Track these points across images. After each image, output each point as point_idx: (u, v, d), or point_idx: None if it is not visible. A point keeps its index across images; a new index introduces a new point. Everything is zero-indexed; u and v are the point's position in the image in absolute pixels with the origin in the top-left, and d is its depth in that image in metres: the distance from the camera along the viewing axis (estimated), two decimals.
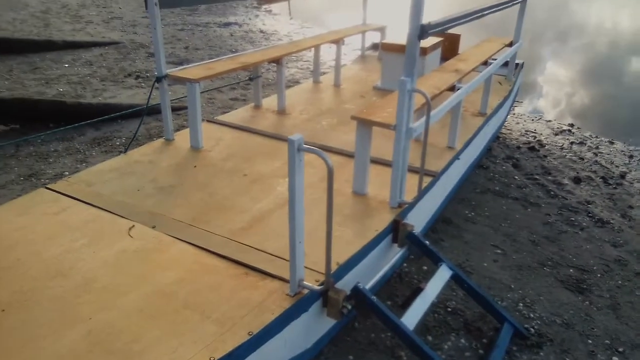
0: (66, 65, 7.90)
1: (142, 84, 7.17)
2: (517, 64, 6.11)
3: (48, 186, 3.19)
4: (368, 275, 2.77)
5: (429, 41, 5.36)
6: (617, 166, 5.42)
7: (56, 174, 4.53)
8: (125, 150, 3.79)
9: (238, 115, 4.67)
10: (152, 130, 5.57)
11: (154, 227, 2.80)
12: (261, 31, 11.34)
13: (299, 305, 2.32)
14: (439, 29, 3.00)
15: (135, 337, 2.01)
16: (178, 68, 3.99)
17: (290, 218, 2.18)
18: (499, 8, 4.20)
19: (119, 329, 2.04)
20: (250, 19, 12.80)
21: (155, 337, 2.02)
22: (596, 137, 6.29)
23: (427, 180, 3.45)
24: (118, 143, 5.23)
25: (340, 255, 2.62)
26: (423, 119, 3.13)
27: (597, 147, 5.92)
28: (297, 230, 2.20)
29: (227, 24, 11.87)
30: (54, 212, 2.90)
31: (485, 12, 3.80)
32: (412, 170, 3.31)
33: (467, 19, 3.35)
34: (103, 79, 7.30)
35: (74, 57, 8.41)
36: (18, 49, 8.38)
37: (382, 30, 6.54)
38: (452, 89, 3.90)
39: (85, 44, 9.12)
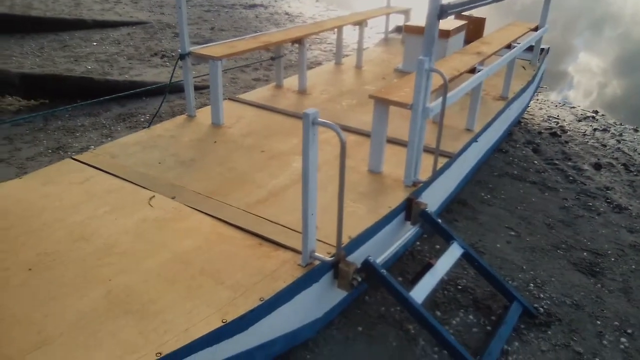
0: (95, 44, 8.06)
1: (167, 63, 7.29)
2: (542, 49, 6.03)
3: (74, 157, 3.32)
4: (380, 251, 2.82)
5: (452, 24, 5.32)
6: (639, 154, 5.34)
7: (82, 147, 4.67)
8: (149, 125, 3.90)
9: (259, 94, 4.74)
10: (176, 107, 5.68)
11: (173, 198, 2.91)
12: (286, 13, 11.35)
13: (310, 275, 2.40)
14: (459, 9, 3.00)
15: (152, 299, 2.11)
16: (200, 46, 4.06)
17: (303, 190, 2.24)
18: None
19: (137, 291, 2.15)
20: (275, 1, 12.81)
21: (171, 299, 2.12)
22: (620, 124, 6.19)
23: (442, 161, 3.48)
24: (142, 119, 5.35)
25: (353, 230, 2.68)
26: (440, 99, 3.15)
27: (620, 135, 5.82)
28: (309, 202, 2.27)
29: (253, 6, 11.90)
30: (79, 182, 3.02)
31: None
32: (428, 150, 3.34)
33: (487, 0, 3.34)
34: (130, 58, 7.44)
35: (102, 36, 8.57)
36: (50, 28, 8.59)
37: (406, 12, 6.51)
38: (473, 71, 3.90)
39: (114, 24, 9.28)
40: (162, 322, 1.98)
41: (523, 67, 5.72)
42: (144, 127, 5.12)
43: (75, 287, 2.13)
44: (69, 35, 8.45)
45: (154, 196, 2.91)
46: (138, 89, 5.66)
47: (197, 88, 5.38)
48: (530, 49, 5.64)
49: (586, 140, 5.56)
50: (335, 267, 2.51)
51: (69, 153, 4.54)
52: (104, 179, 3.08)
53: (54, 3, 10.46)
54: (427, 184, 3.26)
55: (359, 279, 2.51)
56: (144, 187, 3.01)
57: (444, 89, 3.03)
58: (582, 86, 8.09)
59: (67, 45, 7.94)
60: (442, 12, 2.83)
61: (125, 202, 2.83)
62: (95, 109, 5.51)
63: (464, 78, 3.70)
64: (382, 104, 3.19)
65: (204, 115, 4.15)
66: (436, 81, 3.17)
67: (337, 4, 12.78)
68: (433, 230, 3.08)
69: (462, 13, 4.75)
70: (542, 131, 5.65)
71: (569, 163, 4.87)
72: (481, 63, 4.00)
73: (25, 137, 4.78)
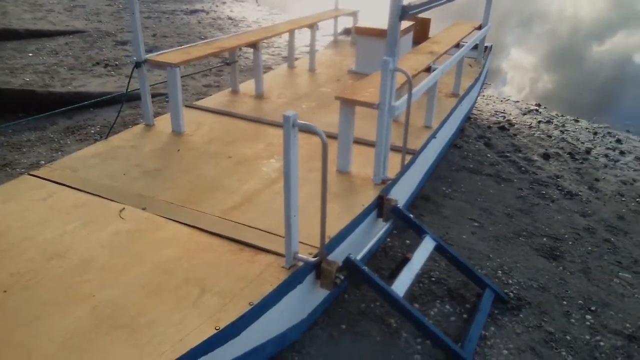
0: (30, 55, 7.69)
1: (112, 72, 7.06)
2: (485, 47, 6.29)
3: (32, 173, 3.17)
4: (356, 249, 2.87)
5: (402, 24, 5.46)
6: (582, 142, 5.68)
7: (32, 163, 4.46)
8: (107, 136, 3.78)
9: (217, 100, 4.69)
10: (127, 117, 5.52)
11: (144, 209, 2.83)
12: (229, 18, 11.25)
13: (295, 277, 2.41)
14: (420, 9, 3.10)
15: (140, 311, 2.06)
16: (156, 53, 3.98)
17: (285, 192, 2.25)
18: None
19: (123, 305, 2.09)
20: (217, 6, 12.67)
21: (160, 311, 2.07)
22: (562, 116, 6.56)
23: (407, 158, 3.57)
24: (92, 131, 5.17)
25: (331, 229, 2.70)
26: (404, 98, 3.24)
27: (563, 125, 6.17)
28: (292, 204, 2.28)
29: (194, 11, 11.72)
30: (42, 198, 2.89)
31: None
32: (392, 149, 3.42)
33: (444, 1, 3.46)
34: (71, 68, 7.15)
35: (38, 46, 8.19)
36: None
37: (354, 14, 6.62)
38: (428, 70, 4.02)
39: (49, 33, 8.87)
40: (155, 334, 1.93)
41: (470, 65, 5.94)
42: (95, 140, 4.96)
43: (57, 305, 2.04)
44: (0, 47, 8.02)
45: (123, 208, 2.83)
46: (83, 100, 5.45)
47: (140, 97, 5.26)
48: (475, 47, 5.87)
49: (532, 132, 5.85)
50: (317, 267, 2.53)
51: (18, 170, 4.32)
52: (67, 193, 2.96)
53: None
54: (395, 180, 3.34)
55: (342, 277, 2.55)
56: (112, 200, 2.91)
57: (408, 88, 3.11)
58: (520, 81, 8.51)
59: (0, 56, 7.54)
60: (403, 12, 2.91)
61: (94, 216, 2.73)
62: (41, 123, 5.27)
63: (419, 77, 3.81)
64: (348, 104, 3.24)
65: (163, 123, 4.06)
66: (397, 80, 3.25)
67: (280, 8, 12.79)
68: (405, 226, 3.15)
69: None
70: (491, 125, 5.90)
71: (520, 155, 5.12)
72: (434, 62, 4.14)
73: None
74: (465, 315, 2.89)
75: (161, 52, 4.01)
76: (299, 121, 2.14)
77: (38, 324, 1.95)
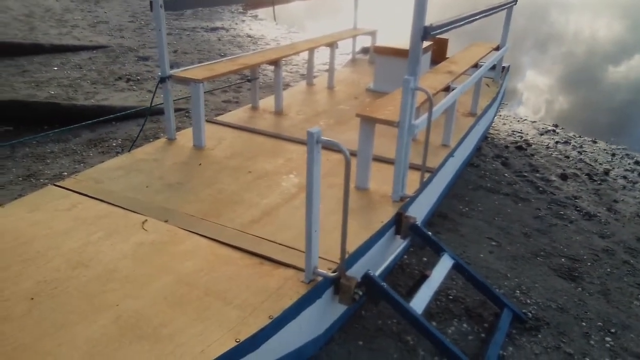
0: (55, 69, 7.88)
1: (134, 87, 7.20)
2: (503, 67, 6.32)
3: (57, 183, 3.24)
4: (374, 265, 2.88)
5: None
6: (600, 164, 5.65)
7: (55, 174, 4.55)
8: (130, 149, 3.86)
9: (237, 115, 4.76)
10: (148, 131, 5.62)
11: (166, 221, 2.88)
12: (248, 36, 11.43)
13: (314, 292, 2.43)
14: (442, 30, 3.15)
15: (163, 322, 2.09)
16: (180, 69, 4.07)
17: (307, 207, 2.28)
18: (493, 11, 4.40)
19: (147, 315, 2.12)
20: (236, 23, 12.88)
21: (182, 322, 2.10)
22: (579, 136, 6.54)
23: (425, 175, 3.59)
24: (114, 144, 5.27)
25: (349, 245, 2.72)
26: (424, 116, 3.27)
27: (581, 146, 6.15)
28: (313, 219, 2.31)
29: (214, 29, 11.93)
30: (66, 208, 2.96)
31: (483, 15, 3.99)
32: (410, 166, 3.45)
33: (466, 21, 3.51)
34: (94, 82, 7.31)
35: (63, 60, 8.39)
36: (3, 52, 8.33)
37: (373, 34, 6.70)
38: (447, 89, 4.06)
39: (73, 48, 9.09)
40: (177, 345, 1.96)
41: (487, 85, 5.97)
42: (118, 152, 5.06)
43: (82, 314, 2.09)
44: (26, 61, 8.22)
45: (146, 220, 2.88)
46: (106, 113, 5.57)
47: (161, 112, 5.36)
48: (493, 67, 5.91)
49: (550, 152, 5.84)
50: (336, 283, 2.55)
51: (41, 180, 4.42)
52: (91, 204, 3.03)
53: (5, 27, 10.15)
54: (414, 198, 3.36)
55: (360, 293, 2.56)
56: (135, 212, 2.97)
57: (429, 106, 3.15)
58: (536, 102, 8.50)
59: (26, 70, 7.72)
60: (425, 33, 2.96)
61: (118, 227, 2.79)
62: (64, 135, 5.38)
63: (438, 96, 3.85)
64: (368, 122, 3.28)
65: (184, 137, 4.14)
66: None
67: (298, 27, 12.97)
68: (424, 243, 3.17)
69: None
70: (509, 145, 5.90)
71: (537, 175, 5.11)
72: (453, 81, 4.18)
73: None
74: (483, 335, 2.88)
75: (185, 68, 4.10)
76: (322, 138, 2.18)
77: (64, 331, 1.99)
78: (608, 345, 2.87)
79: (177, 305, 2.20)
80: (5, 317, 2.05)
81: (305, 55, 5.91)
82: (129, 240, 2.67)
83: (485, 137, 6.03)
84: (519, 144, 5.97)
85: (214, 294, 2.29)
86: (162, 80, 3.90)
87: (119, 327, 2.03)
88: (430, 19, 2.99)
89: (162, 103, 4.07)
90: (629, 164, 5.78)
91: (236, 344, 2.01)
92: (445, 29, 3.18)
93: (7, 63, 8.00)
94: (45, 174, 4.56)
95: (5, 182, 4.35)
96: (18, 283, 2.25)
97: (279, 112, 4.87)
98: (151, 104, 4.16)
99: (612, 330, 2.99)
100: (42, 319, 2.06)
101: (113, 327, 2.03)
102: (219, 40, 10.74)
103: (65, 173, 4.55)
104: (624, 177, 5.35)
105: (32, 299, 2.16)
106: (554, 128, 6.79)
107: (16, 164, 4.70)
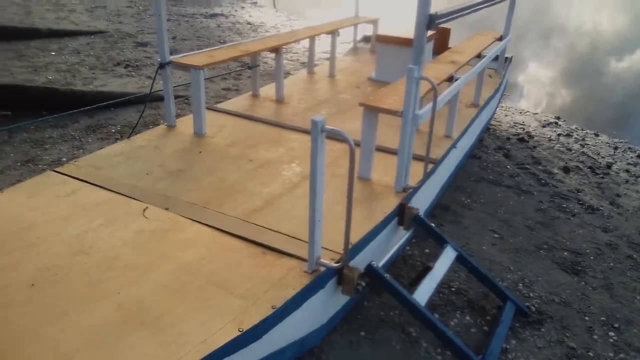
0: (53, 54, 7.78)
1: (132, 73, 7.13)
2: (506, 58, 6.27)
3: (56, 169, 3.19)
4: (377, 256, 2.85)
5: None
6: (603, 157, 5.63)
7: (53, 160, 4.50)
8: (129, 135, 3.80)
9: (238, 103, 4.70)
10: (147, 118, 5.55)
11: (167, 209, 2.84)
12: (248, 23, 11.32)
13: (317, 282, 2.39)
14: (447, 18, 3.09)
15: (165, 311, 2.06)
16: (180, 55, 4.00)
17: (310, 196, 2.25)
18: (498, 1, 4.34)
19: (148, 303, 2.09)
20: (236, 10, 12.76)
21: (184, 311, 2.07)
22: (582, 129, 6.50)
23: (428, 166, 3.55)
24: (113, 130, 5.21)
25: (352, 236, 2.68)
26: (427, 106, 3.23)
27: (583, 139, 6.12)
28: (316, 209, 2.27)
29: (213, 15, 11.81)
30: (66, 194, 2.91)
31: (488, 5, 3.93)
32: (413, 157, 3.41)
33: (472, 10, 3.46)
34: (92, 68, 7.23)
35: (60, 45, 8.29)
36: (0, 37, 8.23)
37: (375, 22, 6.63)
38: (450, 79, 4.01)
39: (71, 33, 8.98)
40: (179, 334, 1.93)
41: (489, 76, 5.92)
42: (117, 139, 5.00)
43: (84, 301, 2.05)
44: (23, 45, 8.12)
45: (147, 207, 2.84)
46: (105, 99, 5.50)
47: (162, 98, 5.29)
48: (496, 58, 5.85)
49: (552, 145, 5.81)
50: (339, 273, 2.52)
51: (40, 166, 4.36)
52: (90, 190, 2.98)
53: (2, 11, 10.02)
54: (417, 189, 3.32)
55: (363, 284, 2.53)
56: (135, 199, 2.92)
57: (433, 96, 3.10)
58: (538, 94, 8.45)
59: (23, 55, 7.62)
60: (430, 21, 2.90)
61: (118, 214, 2.74)
62: (63, 121, 5.32)
63: (441, 87, 3.80)
64: (371, 111, 3.24)
65: (184, 125, 4.08)
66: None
67: (298, 14, 12.85)
68: (426, 235, 3.14)
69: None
70: (511, 137, 5.87)
71: (540, 167, 5.08)
72: (456, 72, 4.13)
73: None
74: (485, 327, 2.86)
75: (185, 54, 4.04)
76: (327, 126, 2.14)
77: (66, 318, 1.95)
78: (611, 340, 2.86)
79: (179, 294, 2.16)
80: (6, 304, 2.01)
81: (305, 43, 5.86)
82: (130, 227, 2.63)
83: (487, 129, 5.99)
84: (521, 135, 5.94)
85: (216, 283, 2.26)
86: (162, 66, 3.84)
87: (120, 315, 2.00)
88: (434, 7, 2.93)
89: (162, 89, 4.01)
90: (631, 157, 5.75)
91: (239, 333, 1.98)
92: (450, 17, 3.12)
93: (3, 47, 7.90)
94: (44, 159, 4.51)
95: (4, 167, 4.30)
96: (19, 269, 2.21)
97: (280, 101, 4.82)
98: (151, 89, 4.10)
99: (616, 325, 2.97)
100: (44, 305, 2.02)
101: (115, 315, 2.00)
102: (218, 27, 10.64)
103: (64, 159, 4.50)
104: (627, 171, 5.33)
105: (33, 285, 2.13)
106: (556, 120, 6.76)
107: (14, 149, 4.64)
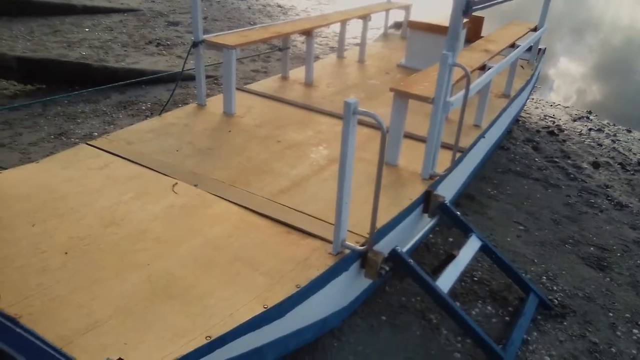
0: (87, 30, 7.91)
1: (163, 52, 7.20)
2: (539, 49, 6.15)
3: (89, 142, 3.27)
4: (401, 242, 2.86)
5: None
6: (634, 153, 5.50)
7: (85, 134, 4.60)
8: (160, 113, 3.86)
9: (267, 85, 4.72)
10: (176, 96, 5.61)
11: (196, 186, 2.89)
12: (279, 5, 11.30)
13: (341, 264, 2.42)
14: (483, 5, 3.05)
15: (193, 284, 2.11)
16: (213, 34, 4.03)
17: (339, 178, 2.26)
18: None
19: (177, 276, 2.14)
20: None
21: (211, 285, 2.12)
22: (614, 125, 6.36)
23: (456, 155, 3.53)
24: (144, 107, 5.29)
25: (377, 220, 2.70)
26: (459, 94, 3.20)
27: (615, 135, 5.99)
28: (344, 191, 2.29)
29: None
30: (99, 167, 2.98)
31: None
32: (441, 145, 3.39)
33: None
34: (124, 45, 7.32)
35: (94, 22, 8.41)
36: (37, 12, 8.38)
37: (407, 8, 6.55)
38: (482, 68, 3.96)
39: (104, 10, 9.11)
40: (206, 307, 1.98)
41: (522, 67, 5.82)
42: (147, 115, 5.08)
43: (114, 271, 2.11)
44: (59, 20, 8.26)
45: (176, 183, 2.89)
46: (136, 76, 5.58)
47: (191, 78, 5.33)
48: (529, 48, 5.74)
49: (582, 139, 5.70)
50: (363, 257, 2.54)
51: (72, 139, 4.47)
52: (122, 164, 3.05)
53: None
54: (444, 177, 3.31)
55: (387, 269, 2.55)
56: (165, 174, 2.98)
57: (466, 83, 3.08)
58: (570, 88, 8.28)
59: (58, 30, 7.77)
60: (467, 7, 2.86)
61: (148, 189, 2.80)
62: (95, 96, 5.42)
63: (474, 75, 3.76)
64: (402, 97, 3.22)
65: (214, 104, 4.12)
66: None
67: None
68: (451, 223, 3.13)
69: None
70: (540, 130, 5.77)
71: (569, 161, 5.00)
72: (489, 60, 4.07)
73: (25, 122, 4.68)
74: (507, 318, 2.86)
75: (218, 33, 4.06)
76: (360, 109, 2.15)
77: (97, 286, 2.02)
78: (635, 337, 2.83)
79: (207, 268, 2.21)
80: (43, 268, 2.09)
81: (334, 28, 5.84)
82: (160, 202, 2.68)
83: (516, 120, 5.90)
84: (550, 128, 5.84)
85: (243, 260, 2.30)
86: (195, 44, 3.87)
87: (150, 286, 2.06)
88: None
89: (193, 68, 4.05)
90: None
91: (264, 310, 2.02)
92: (487, 4, 3.08)
93: (40, 22, 8.06)
94: (76, 133, 4.61)
95: (38, 139, 4.41)
96: (54, 236, 2.29)
97: (309, 84, 4.82)
98: (183, 68, 4.14)
99: None
100: (76, 272, 2.09)
101: (144, 286, 2.06)
102: (249, 8, 10.64)
103: (96, 133, 4.60)
104: None
105: (66, 253, 2.20)
106: (588, 115, 6.62)
107: (48, 122, 4.76)
